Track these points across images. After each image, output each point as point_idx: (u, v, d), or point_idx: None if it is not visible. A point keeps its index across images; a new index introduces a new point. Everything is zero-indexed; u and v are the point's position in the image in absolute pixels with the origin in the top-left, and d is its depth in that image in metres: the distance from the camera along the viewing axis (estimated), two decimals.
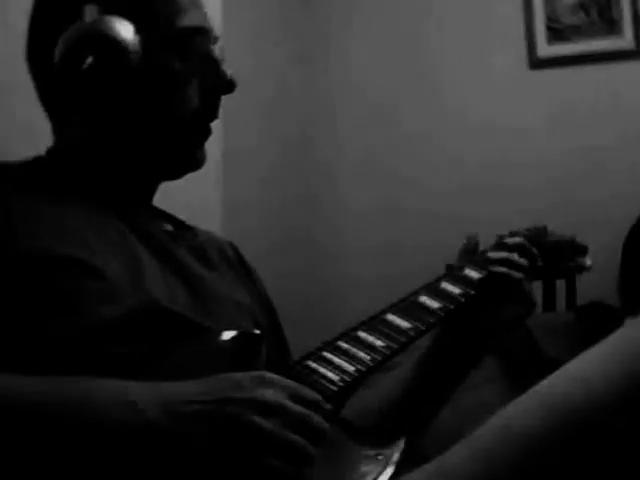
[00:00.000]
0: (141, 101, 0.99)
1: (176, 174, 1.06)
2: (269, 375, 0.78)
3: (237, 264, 1.14)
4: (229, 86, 1.02)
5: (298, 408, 0.75)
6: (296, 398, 0.76)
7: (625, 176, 2.58)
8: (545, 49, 2.72)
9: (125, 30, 0.95)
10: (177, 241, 1.04)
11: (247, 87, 2.89)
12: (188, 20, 0.99)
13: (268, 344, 1.03)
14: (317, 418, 0.76)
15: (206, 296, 0.99)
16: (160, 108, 0.99)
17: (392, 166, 2.88)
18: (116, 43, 0.94)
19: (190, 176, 1.06)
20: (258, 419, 0.73)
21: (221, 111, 1.04)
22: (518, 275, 1.08)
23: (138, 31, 0.96)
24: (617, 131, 2.62)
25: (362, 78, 2.94)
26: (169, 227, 1.10)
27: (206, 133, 1.04)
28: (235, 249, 1.17)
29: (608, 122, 2.64)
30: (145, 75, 0.97)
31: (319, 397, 0.79)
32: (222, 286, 1.04)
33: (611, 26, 2.65)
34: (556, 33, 2.71)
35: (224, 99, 1.04)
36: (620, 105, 2.63)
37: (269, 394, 0.75)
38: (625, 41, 2.63)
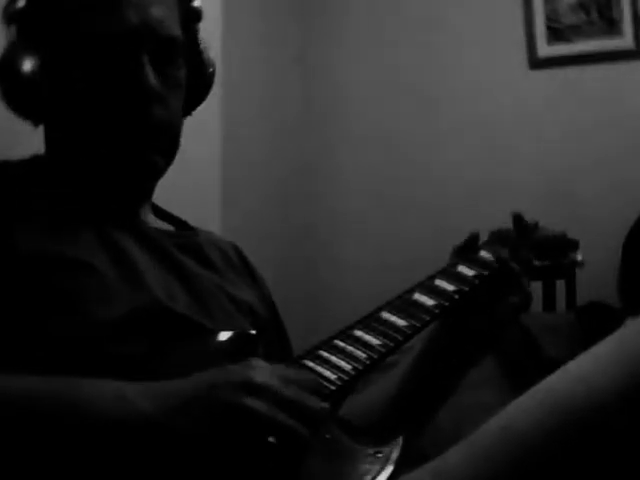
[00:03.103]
0: (65, 118, 0.99)
1: (128, 182, 1.01)
2: (255, 360, 0.78)
3: (240, 265, 1.14)
4: (142, 94, 0.95)
5: (288, 389, 0.75)
6: (286, 380, 0.77)
7: (625, 176, 2.58)
8: (545, 49, 2.72)
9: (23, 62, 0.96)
10: (173, 240, 1.04)
11: (246, 83, 2.89)
12: (98, 26, 0.95)
13: (270, 345, 1.04)
14: (311, 398, 0.76)
15: (204, 295, 0.99)
16: (81, 123, 0.97)
17: (393, 161, 2.88)
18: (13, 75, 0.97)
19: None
20: (249, 400, 0.72)
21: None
22: (510, 268, 1.09)
23: (49, 46, 0.96)
24: (617, 131, 2.62)
25: (363, 76, 2.95)
26: (168, 227, 1.09)
27: (141, 142, 0.97)
28: (238, 250, 1.17)
29: (608, 122, 2.63)
30: (56, 94, 0.97)
31: (311, 376, 0.79)
32: (220, 285, 1.03)
33: (611, 26, 2.65)
34: (556, 33, 2.71)
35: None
36: (620, 105, 2.63)
37: (257, 375, 0.75)
38: (625, 41, 2.63)
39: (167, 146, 1.01)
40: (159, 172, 1.02)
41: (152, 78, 0.95)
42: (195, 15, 1.07)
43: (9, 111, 1.01)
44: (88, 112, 0.96)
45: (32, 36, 0.97)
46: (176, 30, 1.00)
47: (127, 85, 0.95)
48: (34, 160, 1.02)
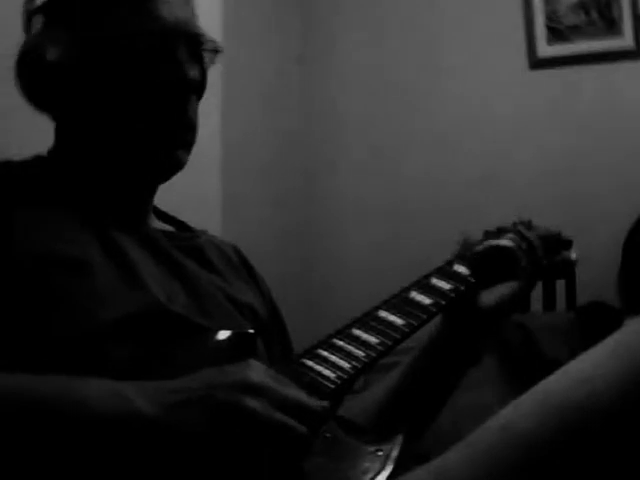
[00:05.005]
0: (90, 109, 0.98)
1: (148, 180, 1.03)
2: (252, 361, 0.78)
3: (240, 267, 1.14)
4: (185, 86, 0.98)
5: (285, 389, 0.75)
6: (283, 381, 0.77)
7: (625, 176, 2.58)
8: (545, 49, 2.72)
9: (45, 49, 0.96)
10: (174, 241, 1.04)
11: (247, 83, 2.89)
12: (132, 25, 0.96)
13: (271, 345, 1.04)
14: (309, 397, 0.76)
15: (204, 296, 0.99)
16: (107, 114, 0.98)
17: (393, 161, 2.89)
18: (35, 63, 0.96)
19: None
20: (247, 400, 0.73)
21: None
22: (506, 244, 1.10)
23: (79, 40, 0.96)
24: (617, 131, 2.62)
25: (363, 76, 2.95)
26: (169, 228, 1.09)
27: (172, 138, 0.99)
28: (239, 252, 1.17)
29: (608, 122, 2.64)
30: (85, 85, 0.97)
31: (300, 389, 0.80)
32: (220, 286, 1.04)
33: (611, 26, 2.65)
34: (556, 33, 2.71)
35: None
36: (620, 105, 2.63)
37: (255, 376, 0.75)
38: (625, 41, 2.63)
39: (191, 141, 1.03)
40: (182, 167, 1.03)
41: (192, 72, 0.98)
42: None
43: (24, 106, 1.01)
44: (125, 109, 0.97)
45: (60, 29, 0.98)
46: (201, 28, 1.03)
47: (169, 80, 0.97)
48: (36, 160, 1.02)
